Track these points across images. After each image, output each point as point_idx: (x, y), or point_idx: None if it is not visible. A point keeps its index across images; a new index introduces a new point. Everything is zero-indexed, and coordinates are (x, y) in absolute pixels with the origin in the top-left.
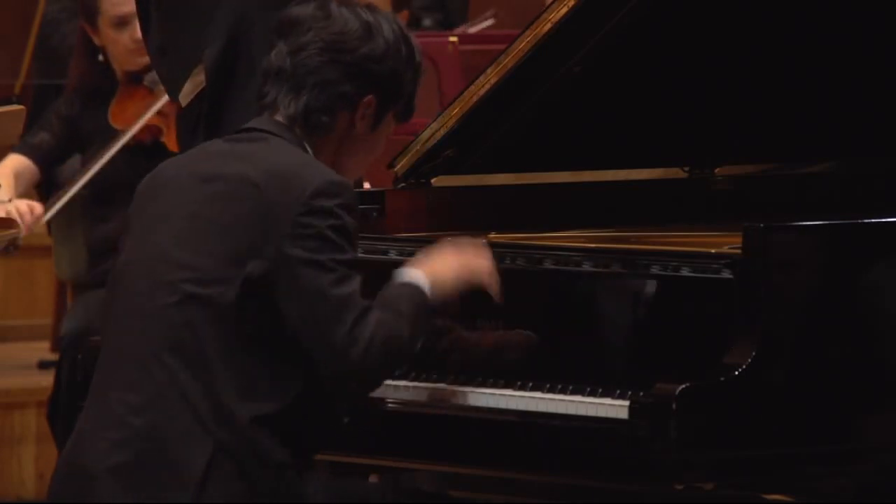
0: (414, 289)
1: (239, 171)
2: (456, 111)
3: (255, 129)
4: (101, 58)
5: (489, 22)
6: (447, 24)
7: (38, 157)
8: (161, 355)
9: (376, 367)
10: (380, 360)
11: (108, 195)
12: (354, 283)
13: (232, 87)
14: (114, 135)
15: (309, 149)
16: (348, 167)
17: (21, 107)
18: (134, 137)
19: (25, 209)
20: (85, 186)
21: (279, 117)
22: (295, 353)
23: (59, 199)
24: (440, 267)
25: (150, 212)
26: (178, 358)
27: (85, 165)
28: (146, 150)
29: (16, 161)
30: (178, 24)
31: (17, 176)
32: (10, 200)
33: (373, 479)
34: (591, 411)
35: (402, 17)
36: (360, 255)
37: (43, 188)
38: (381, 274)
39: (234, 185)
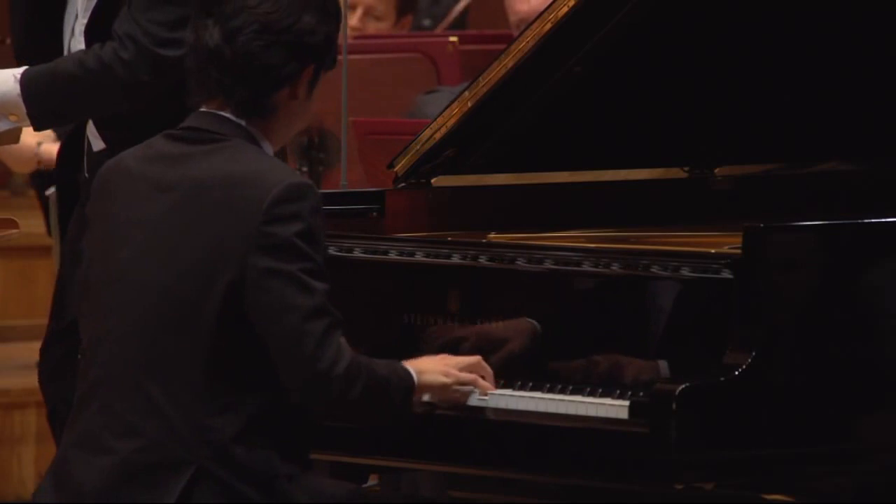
0: (396, 363)
1: (194, 179)
2: (456, 111)
3: (206, 130)
4: None
5: None
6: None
7: None
8: (139, 379)
9: (342, 384)
10: (344, 379)
11: None
12: (323, 293)
13: None
14: None
15: (264, 140)
16: (288, 133)
17: None
18: None
19: None
20: None
21: (228, 113)
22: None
23: None
24: (425, 363)
25: (109, 217)
26: (155, 381)
27: None
28: None
29: None
30: None
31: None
32: (40, 144)
33: (373, 479)
34: (591, 411)
35: (407, 22)
36: (360, 255)
37: (37, 181)
38: (381, 274)
39: (192, 196)
